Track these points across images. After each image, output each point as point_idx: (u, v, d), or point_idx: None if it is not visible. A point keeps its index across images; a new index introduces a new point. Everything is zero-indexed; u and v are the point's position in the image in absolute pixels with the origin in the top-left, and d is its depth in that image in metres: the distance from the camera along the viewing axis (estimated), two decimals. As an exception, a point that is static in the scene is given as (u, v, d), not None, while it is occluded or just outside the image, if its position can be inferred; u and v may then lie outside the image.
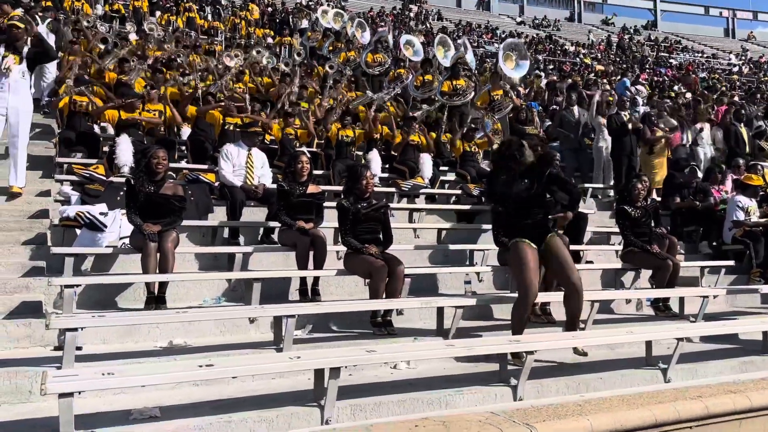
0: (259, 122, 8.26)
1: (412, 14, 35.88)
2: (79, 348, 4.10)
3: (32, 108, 6.97)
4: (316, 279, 5.88)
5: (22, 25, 6.72)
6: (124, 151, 7.32)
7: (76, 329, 3.87)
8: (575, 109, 10.97)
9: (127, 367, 3.60)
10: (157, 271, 5.22)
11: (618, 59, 31.40)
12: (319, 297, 5.83)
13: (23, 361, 4.10)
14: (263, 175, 7.24)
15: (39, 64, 7.16)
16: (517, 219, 4.88)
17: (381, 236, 5.75)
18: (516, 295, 4.87)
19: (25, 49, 6.70)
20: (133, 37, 14.33)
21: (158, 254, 5.22)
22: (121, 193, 6.74)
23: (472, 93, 11.31)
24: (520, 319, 4.81)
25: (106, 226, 5.87)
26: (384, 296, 5.31)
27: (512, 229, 4.96)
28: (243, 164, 7.11)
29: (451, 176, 9.59)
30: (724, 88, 21.44)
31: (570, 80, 16.30)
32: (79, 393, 3.09)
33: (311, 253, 5.81)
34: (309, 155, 6.68)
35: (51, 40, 10.78)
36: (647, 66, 30.22)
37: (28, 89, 6.84)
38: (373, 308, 5.31)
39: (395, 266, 5.35)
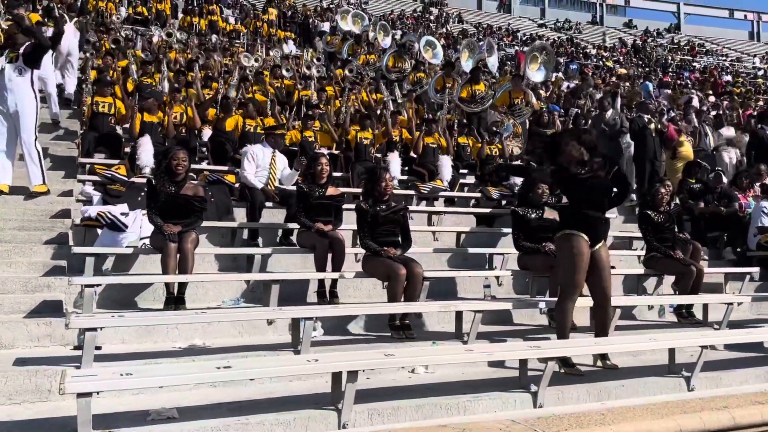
0: (284, 125, 8.29)
1: (432, 17, 35.82)
2: (98, 347, 4.12)
3: (35, 104, 6.77)
4: (335, 281, 5.86)
5: None
6: (146, 152, 7.37)
7: (95, 329, 3.88)
8: (608, 113, 10.77)
9: (145, 367, 3.60)
10: (177, 272, 5.23)
11: (641, 62, 31.07)
12: (337, 299, 5.81)
13: (43, 359, 4.13)
14: (284, 177, 7.28)
15: (37, 57, 6.91)
16: (586, 209, 4.74)
17: (400, 239, 5.72)
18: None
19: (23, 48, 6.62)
20: (156, 39, 14.47)
21: (178, 255, 5.24)
22: (143, 193, 6.78)
23: (491, 101, 11.19)
24: (565, 320, 4.76)
25: (126, 227, 5.91)
26: (402, 299, 5.28)
27: (575, 219, 4.78)
28: (267, 166, 7.14)
29: (471, 179, 9.53)
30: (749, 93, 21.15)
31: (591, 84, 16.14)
32: (98, 393, 3.10)
33: (330, 255, 5.79)
34: (328, 157, 6.67)
35: (77, 38, 10.88)
36: (670, 69, 29.87)
37: (29, 86, 6.70)
38: (391, 312, 5.28)
39: (414, 269, 5.32)
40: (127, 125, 8.36)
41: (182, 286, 5.29)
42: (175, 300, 5.22)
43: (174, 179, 5.51)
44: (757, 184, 9.34)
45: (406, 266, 5.32)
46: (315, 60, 15.35)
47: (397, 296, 5.27)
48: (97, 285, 4.90)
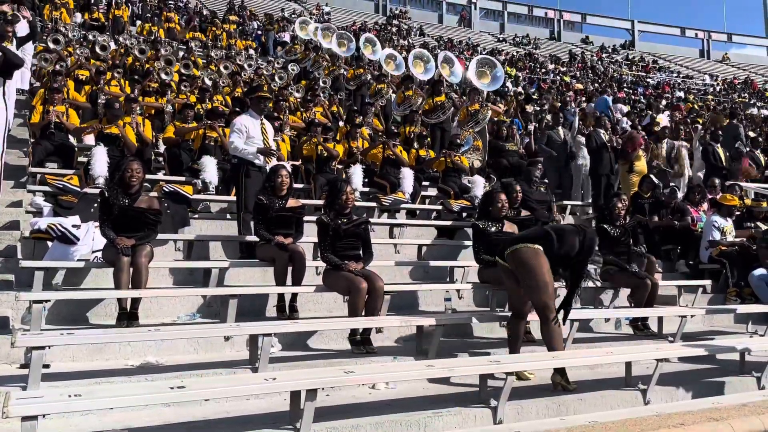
0: (263, 86, 8.08)
1: (394, 29, 36.01)
2: (46, 366, 3.97)
3: (4, 116, 6.59)
4: (295, 295, 5.77)
5: None
6: (100, 161, 7.18)
7: (43, 347, 3.73)
8: (560, 128, 10.97)
9: (94, 388, 3.47)
10: (130, 287, 5.07)
11: (597, 78, 31.80)
12: (297, 314, 5.73)
13: (-13, 379, 3.95)
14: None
15: (9, 69, 6.78)
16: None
17: (361, 252, 5.68)
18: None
19: None
20: (112, 46, 14.15)
21: (131, 269, 5.07)
22: (95, 204, 6.59)
23: (452, 108, 11.31)
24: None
25: (78, 239, 5.70)
26: (363, 313, 5.24)
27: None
28: (258, 135, 6.60)
29: (433, 191, 9.56)
30: (698, 107, 21.84)
31: (548, 99, 16.45)
32: (44, 416, 2.96)
33: (290, 269, 5.71)
34: (289, 169, 6.57)
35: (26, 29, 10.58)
36: (624, 85, 30.64)
37: (0, 99, 6.50)
38: (351, 327, 5.23)
39: (375, 283, 5.28)
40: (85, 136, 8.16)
41: (135, 301, 5.13)
42: (128, 316, 5.05)
43: (128, 191, 5.35)
44: (709, 197, 9.61)
45: (368, 280, 5.28)
46: (291, 70, 15.21)
47: (358, 310, 5.22)
48: (46, 300, 4.72)
